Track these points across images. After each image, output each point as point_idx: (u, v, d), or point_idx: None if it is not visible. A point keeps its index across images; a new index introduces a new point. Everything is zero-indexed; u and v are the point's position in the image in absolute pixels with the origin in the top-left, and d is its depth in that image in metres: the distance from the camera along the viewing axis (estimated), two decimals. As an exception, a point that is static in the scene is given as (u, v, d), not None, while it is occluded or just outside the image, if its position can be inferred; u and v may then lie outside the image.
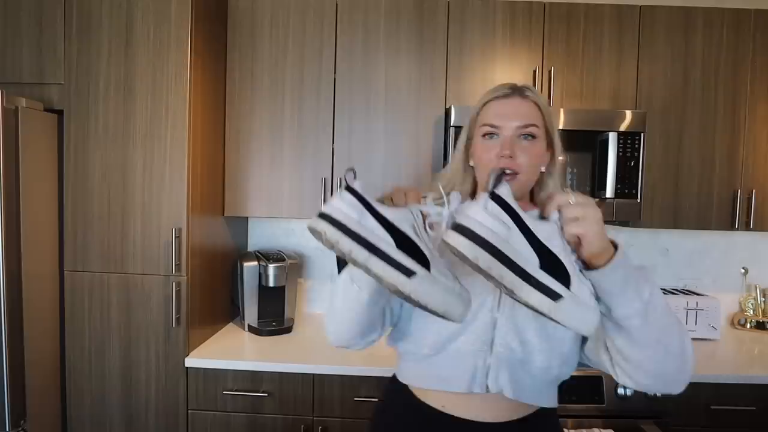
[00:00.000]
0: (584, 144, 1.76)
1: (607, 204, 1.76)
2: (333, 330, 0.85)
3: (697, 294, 2.00)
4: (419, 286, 0.64)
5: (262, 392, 1.58)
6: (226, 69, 1.85)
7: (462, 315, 0.68)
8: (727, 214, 1.86)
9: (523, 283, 0.63)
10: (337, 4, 1.83)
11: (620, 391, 1.50)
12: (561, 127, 1.74)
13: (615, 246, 0.69)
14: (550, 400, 0.89)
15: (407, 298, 0.65)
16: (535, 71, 1.83)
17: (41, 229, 1.60)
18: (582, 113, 1.76)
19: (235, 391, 1.59)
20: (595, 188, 1.76)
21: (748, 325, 2.11)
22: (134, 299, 1.60)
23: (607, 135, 1.72)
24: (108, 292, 1.61)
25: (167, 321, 1.60)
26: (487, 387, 0.83)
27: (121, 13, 1.57)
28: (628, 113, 1.74)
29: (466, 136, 0.92)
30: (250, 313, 1.90)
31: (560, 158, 0.90)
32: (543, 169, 0.88)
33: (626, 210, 1.76)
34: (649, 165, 1.83)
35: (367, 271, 0.65)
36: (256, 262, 1.91)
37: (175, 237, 1.57)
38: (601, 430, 1.47)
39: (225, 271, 1.96)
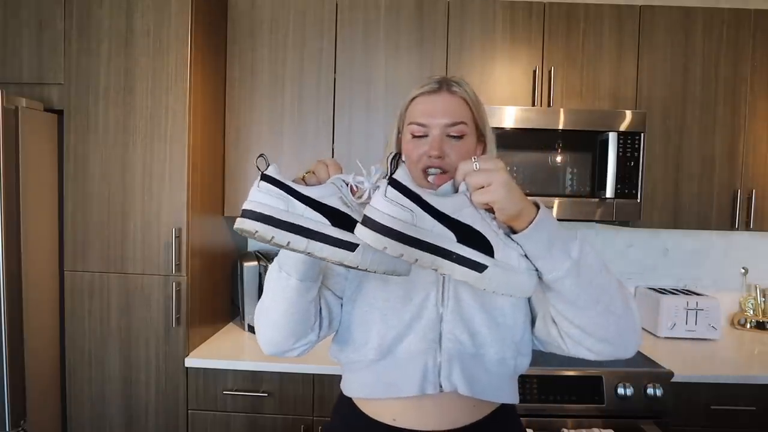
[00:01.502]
0: (584, 144, 1.76)
1: (607, 204, 1.76)
2: (264, 333, 0.80)
3: (697, 294, 2.00)
4: (363, 255, 0.64)
5: (262, 392, 1.58)
6: (226, 68, 1.85)
7: (408, 269, 0.69)
8: (727, 214, 1.86)
9: (444, 260, 0.62)
10: (336, 2, 1.83)
11: (620, 391, 1.50)
12: (561, 127, 1.74)
13: (538, 207, 0.67)
14: (509, 396, 0.85)
15: (356, 269, 0.66)
16: (535, 71, 1.83)
17: (41, 229, 1.60)
18: (582, 113, 1.76)
19: (235, 391, 1.59)
20: (595, 188, 1.76)
21: (748, 325, 2.10)
22: (134, 299, 1.60)
23: (607, 135, 1.72)
24: (108, 292, 1.61)
25: (167, 321, 1.60)
26: (440, 386, 0.79)
27: (121, 13, 1.57)
28: (628, 113, 1.74)
29: (396, 129, 0.90)
30: (250, 313, 1.90)
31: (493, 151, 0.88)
32: None
33: (626, 210, 1.76)
34: (649, 165, 1.83)
35: (311, 255, 0.64)
36: (256, 262, 1.91)
37: (175, 237, 1.57)
38: (601, 430, 1.46)
39: (225, 271, 1.96)
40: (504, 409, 0.86)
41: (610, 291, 0.70)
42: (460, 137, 0.82)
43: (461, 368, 0.79)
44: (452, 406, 0.81)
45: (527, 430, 1.45)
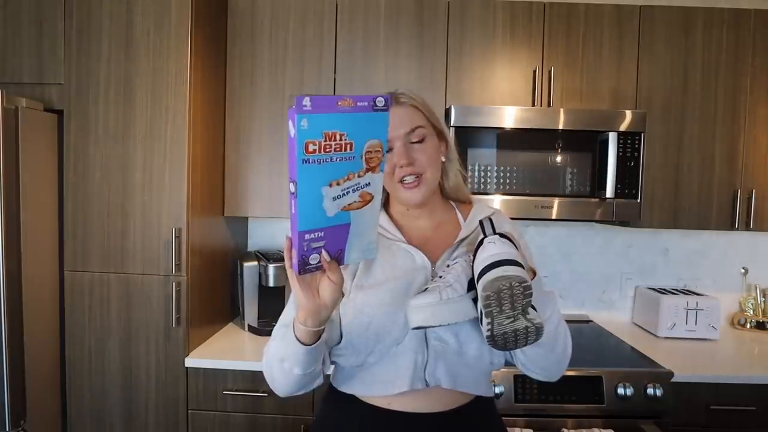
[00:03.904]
0: (584, 144, 1.76)
1: (607, 204, 1.75)
2: (278, 388, 0.87)
3: (697, 294, 2.00)
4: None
5: (262, 392, 1.58)
6: (226, 69, 1.85)
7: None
8: (727, 214, 1.86)
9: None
10: (336, 5, 1.83)
11: (620, 391, 1.50)
12: (561, 127, 1.74)
13: (534, 273, 0.78)
14: (485, 389, 0.93)
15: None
16: (535, 71, 1.83)
17: (41, 229, 1.60)
18: (582, 113, 1.76)
19: (235, 391, 1.59)
20: (595, 188, 1.76)
21: (748, 325, 2.10)
22: (134, 299, 1.60)
23: (607, 135, 1.72)
24: (108, 292, 1.60)
25: (167, 321, 1.60)
26: (426, 381, 0.86)
27: (121, 12, 1.57)
28: (628, 113, 1.74)
29: None
30: (250, 313, 1.90)
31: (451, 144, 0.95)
32: (443, 159, 0.93)
33: (626, 210, 1.76)
34: (649, 165, 1.83)
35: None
36: (256, 262, 1.91)
37: (175, 237, 1.57)
38: (601, 430, 1.46)
39: (225, 271, 1.96)
40: (480, 399, 0.92)
41: (558, 339, 0.84)
42: (422, 141, 0.88)
43: (445, 365, 0.86)
44: (437, 395, 0.88)
45: (527, 430, 1.45)
